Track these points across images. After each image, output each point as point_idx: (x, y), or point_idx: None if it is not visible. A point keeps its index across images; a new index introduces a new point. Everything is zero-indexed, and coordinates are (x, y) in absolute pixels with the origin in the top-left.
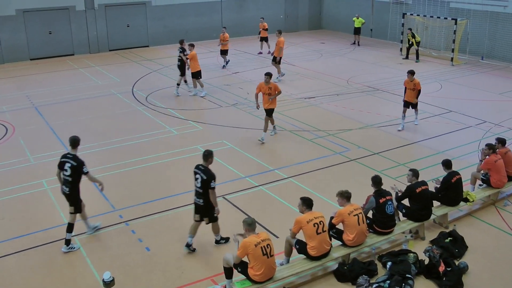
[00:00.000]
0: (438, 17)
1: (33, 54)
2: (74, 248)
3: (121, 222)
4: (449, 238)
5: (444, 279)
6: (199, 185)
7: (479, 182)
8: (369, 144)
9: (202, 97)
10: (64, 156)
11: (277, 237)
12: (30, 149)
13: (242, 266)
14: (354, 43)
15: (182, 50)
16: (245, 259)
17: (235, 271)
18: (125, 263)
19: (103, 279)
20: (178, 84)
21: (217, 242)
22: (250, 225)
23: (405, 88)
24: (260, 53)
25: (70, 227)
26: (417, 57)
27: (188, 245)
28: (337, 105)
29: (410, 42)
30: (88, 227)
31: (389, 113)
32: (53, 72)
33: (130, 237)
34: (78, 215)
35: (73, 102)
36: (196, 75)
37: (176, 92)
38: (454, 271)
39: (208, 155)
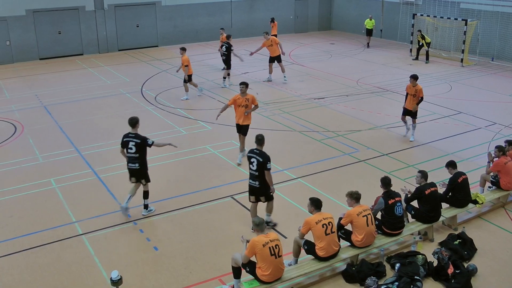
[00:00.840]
0: (449, 18)
1: (42, 54)
2: (152, 210)
3: (129, 221)
4: (458, 240)
5: (452, 281)
6: (254, 168)
7: (488, 184)
8: (378, 145)
9: (182, 100)
10: (126, 135)
11: (286, 237)
12: (38, 148)
13: (250, 266)
14: (368, 46)
15: (229, 46)
16: (253, 259)
17: (243, 271)
18: (133, 262)
19: (111, 278)
20: (224, 78)
21: (267, 223)
22: (258, 225)
23: (407, 93)
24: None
25: (146, 194)
26: (427, 58)
27: (267, 222)
28: (347, 106)
29: (420, 43)
30: (126, 201)
31: (398, 114)
32: (62, 72)
33: (138, 237)
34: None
35: (82, 101)
36: (188, 78)
37: (224, 85)
38: (463, 273)
39: (262, 139)
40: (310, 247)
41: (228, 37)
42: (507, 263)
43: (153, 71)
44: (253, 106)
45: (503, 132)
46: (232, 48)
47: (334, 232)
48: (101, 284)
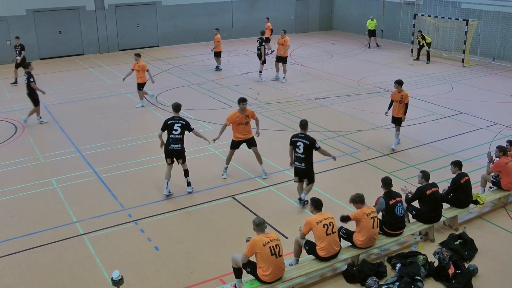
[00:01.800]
0: (450, 18)
1: (43, 54)
2: (193, 188)
3: (130, 221)
4: (458, 241)
5: (453, 281)
6: (301, 151)
7: (489, 184)
8: (379, 145)
9: (137, 107)
10: (171, 118)
11: (286, 237)
12: (39, 148)
13: (251, 266)
14: (377, 45)
15: (262, 41)
16: (253, 259)
17: (244, 271)
18: (134, 262)
19: (112, 278)
20: (260, 72)
21: (300, 200)
22: (259, 225)
23: (391, 100)
24: (272, 51)
25: (187, 172)
26: (428, 58)
27: (300, 199)
28: (348, 106)
29: (421, 44)
30: (166, 188)
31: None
32: (63, 72)
33: (139, 236)
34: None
35: (83, 101)
36: (141, 86)
37: (260, 79)
38: (463, 273)
39: (306, 124)
40: (311, 247)
41: (262, 32)
42: (508, 263)
43: (153, 71)
44: (257, 122)
45: (504, 132)
46: (263, 44)
47: (335, 232)
48: (102, 284)
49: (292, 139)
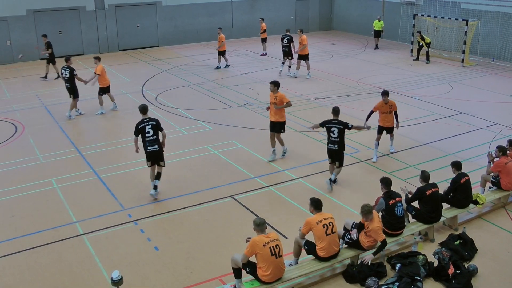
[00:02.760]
0: (449, 18)
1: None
2: (157, 193)
3: (130, 222)
4: (458, 241)
5: (453, 281)
6: (335, 135)
7: (489, 184)
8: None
9: (97, 114)
10: (141, 122)
11: (286, 237)
12: (39, 147)
13: (250, 267)
14: (377, 47)
15: (291, 38)
16: (253, 259)
17: (244, 271)
18: (133, 262)
19: (111, 278)
20: (289, 67)
21: (330, 180)
22: (259, 225)
23: (372, 112)
24: (264, 54)
25: (159, 175)
26: (428, 59)
27: (331, 180)
28: (348, 106)
29: (420, 44)
30: (153, 188)
31: (399, 115)
32: None
33: (139, 237)
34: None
35: (83, 101)
36: (105, 90)
37: (289, 73)
38: (463, 273)
39: (338, 110)
40: (310, 247)
41: (288, 30)
42: (508, 263)
43: (153, 71)
44: (284, 103)
45: (504, 132)
46: (293, 41)
47: (334, 232)
48: (101, 284)
49: (326, 125)
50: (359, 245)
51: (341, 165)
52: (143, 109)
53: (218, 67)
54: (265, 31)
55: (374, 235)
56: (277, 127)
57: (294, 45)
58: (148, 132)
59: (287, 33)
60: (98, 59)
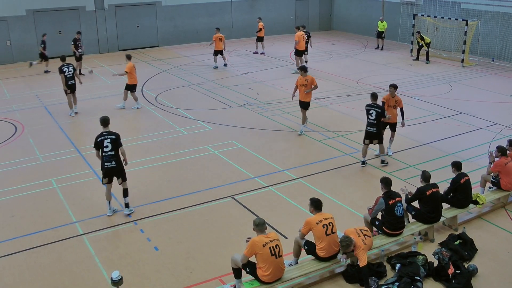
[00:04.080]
0: (449, 18)
1: None
2: (131, 211)
3: (129, 221)
4: (458, 241)
5: (453, 281)
6: (373, 117)
7: (489, 184)
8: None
9: (126, 108)
10: (100, 134)
11: (286, 237)
12: (39, 148)
13: (250, 267)
14: (378, 47)
15: (309, 34)
16: (253, 259)
17: (243, 271)
18: (133, 262)
19: (111, 278)
20: (306, 61)
21: (363, 162)
22: (259, 225)
23: (383, 103)
24: (256, 52)
25: (126, 192)
26: (428, 59)
27: (364, 162)
28: (347, 106)
29: (420, 44)
30: (109, 208)
31: (398, 114)
32: None
33: (139, 237)
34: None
35: (83, 101)
36: (130, 88)
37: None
38: (463, 273)
39: (376, 95)
40: (310, 248)
41: (303, 26)
42: (508, 264)
43: (153, 71)
44: (312, 86)
45: (504, 132)
46: (311, 36)
47: (334, 232)
48: (101, 284)
49: (366, 108)
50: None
51: (381, 142)
52: (104, 121)
53: (215, 67)
54: (260, 30)
55: (359, 256)
56: (306, 105)
57: (311, 41)
58: (107, 147)
59: (305, 30)
60: (129, 57)
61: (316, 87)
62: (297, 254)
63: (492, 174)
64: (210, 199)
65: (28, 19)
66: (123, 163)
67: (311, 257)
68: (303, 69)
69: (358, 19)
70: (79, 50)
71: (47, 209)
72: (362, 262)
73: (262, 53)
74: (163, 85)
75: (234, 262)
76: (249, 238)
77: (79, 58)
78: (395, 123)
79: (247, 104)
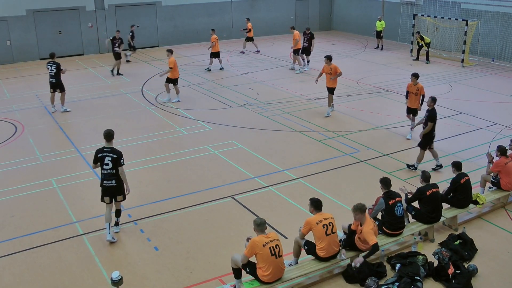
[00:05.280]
0: (449, 18)
1: (43, 54)
2: (119, 230)
3: (129, 222)
4: (458, 241)
5: (453, 281)
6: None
7: (489, 184)
8: (378, 145)
9: (173, 102)
10: (102, 150)
11: (286, 237)
12: (39, 148)
13: (250, 267)
14: (378, 47)
15: (312, 35)
16: (253, 259)
17: (243, 271)
18: (133, 262)
19: (111, 278)
20: (308, 62)
21: (408, 166)
22: (259, 225)
23: (407, 92)
24: (242, 52)
25: (119, 212)
26: (428, 59)
27: (409, 165)
28: (347, 106)
29: (420, 44)
30: (108, 233)
31: (399, 115)
32: None
33: (139, 237)
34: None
35: (83, 101)
36: (173, 81)
37: (302, 69)
38: (463, 273)
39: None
40: (310, 248)
41: (307, 28)
42: (508, 264)
43: (153, 71)
44: (337, 73)
45: (504, 132)
46: (314, 38)
47: (334, 232)
48: (101, 284)
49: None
50: (357, 247)
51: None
52: (107, 136)
53: (208, 69)
54: (250, 30)
55: (366, 237)
56: (331, 90)
57: (313, 43)
58: (107, 164)
59: (309, 31)
60: (170, 52)
61: (340, 74)
62: (297, 254)
63: (492, 174)
64: (210, 199)
65: (28, 19)
66: (125, 188)
67: (311, 257)
68: (328, 58)
69: (358, 19)
70: (115, 49)
71: (47, 209)
72: (372, 241)
73: (258, 51)
74: (163, 85)
75: (234, 262)
76: (249, 238)
77: (117, 57)
78: (416, 109)
79: (247, 104)
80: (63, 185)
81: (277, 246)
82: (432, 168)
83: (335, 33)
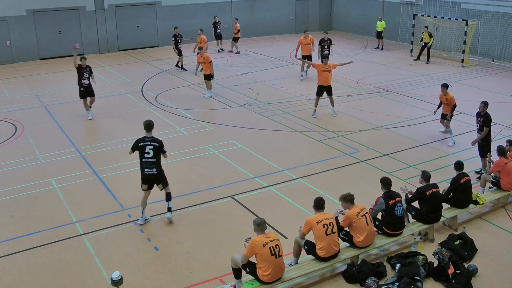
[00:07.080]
0: (449, 18)
1: (43, 54)
2: (171, 216)
3: (129, 221)
4: (458, 241)
5: (453, 281)
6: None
7: (489, 184)
8: (378, 145)
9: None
10: (143, 139)
11: (286, 237)
12: (39, 148)
13: (250, 267)
14: (378, 47)
15: (330, 41)
16: (253, 259)
17: (243, 271)
18: (133, 262)
19: (111, 278)
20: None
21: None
22: (259, 225)
23: (440, 102)
24: (231, 51)
25: (169, 196)
26: (428, 59)
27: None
28: (347, 106)
29: (426, 42)
30: (141, 217)
31: (399, 115)
32: (63, 72)
33: (139, 237)
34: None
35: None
36: (210, 76)
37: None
38: (463, 273)
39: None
40: (310, 247)
41: (326, 32)
42: (508, 264)
43: (153, 71)
44: (337, 65)
45: (504, 132)
46: (333, 43)
47: (335, 232)
48: (101, 284)
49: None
50: (355, 245)
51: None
52: (148, 126)
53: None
54: (238, 31)
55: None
56: (329, 90)
57: (332, 48)
58: (148, 153)
59: (327, 36)
60: (200, 48)
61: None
62: (297, 254)
63: (492, 174)
64: (210, 199)
65: (28, 19)
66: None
67: (311, 257)
68: (325, 57)
69: (358, 19)
70: (179, 46)
71: (47, 209)
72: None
73: (238, 53)
74: (163, 85)
75: (234, 262)
76: (249, 238)
77: (179, 53)
78: (447, 114)
79: (247, 104)
80: (63, 185)
81: (277, 246)
82: (476, 172)
83: (335, 33)
